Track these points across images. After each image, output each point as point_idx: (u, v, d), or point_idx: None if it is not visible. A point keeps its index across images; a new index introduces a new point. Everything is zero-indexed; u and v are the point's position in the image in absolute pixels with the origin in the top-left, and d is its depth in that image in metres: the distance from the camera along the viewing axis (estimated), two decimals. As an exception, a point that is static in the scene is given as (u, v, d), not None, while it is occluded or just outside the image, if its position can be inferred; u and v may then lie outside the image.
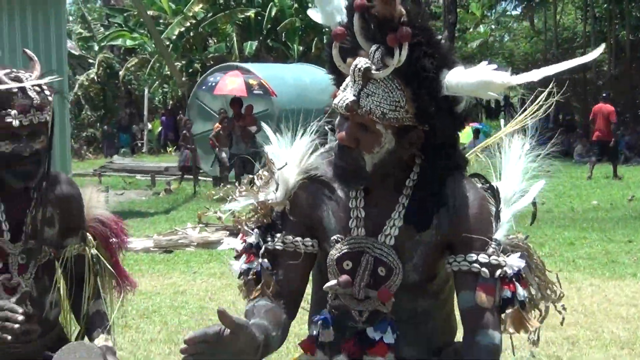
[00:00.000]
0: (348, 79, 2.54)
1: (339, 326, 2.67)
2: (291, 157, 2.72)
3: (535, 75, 2.50)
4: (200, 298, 8.29)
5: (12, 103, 3.02)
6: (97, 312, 3.36)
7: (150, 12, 36.02)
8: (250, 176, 2.81)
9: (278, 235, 2.70)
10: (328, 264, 2.67)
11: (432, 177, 2.60)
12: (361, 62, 2.49)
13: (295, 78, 22.21)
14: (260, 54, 32.85)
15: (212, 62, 30.90)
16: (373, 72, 2.49)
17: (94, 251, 3.38)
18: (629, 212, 14.82)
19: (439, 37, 2.62)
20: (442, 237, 2.60)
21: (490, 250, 2.56)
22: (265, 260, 2.70)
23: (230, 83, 20.34)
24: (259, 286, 2.69)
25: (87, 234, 3.37)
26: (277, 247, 2.69)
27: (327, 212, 2.68)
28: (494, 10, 38.10)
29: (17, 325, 2.89)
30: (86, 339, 3.33)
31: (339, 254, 2.64)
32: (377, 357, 2.62)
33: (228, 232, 11.75)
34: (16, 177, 3.09)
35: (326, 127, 2.98)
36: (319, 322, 2.67)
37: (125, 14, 36.73)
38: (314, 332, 2.70)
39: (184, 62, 34.18)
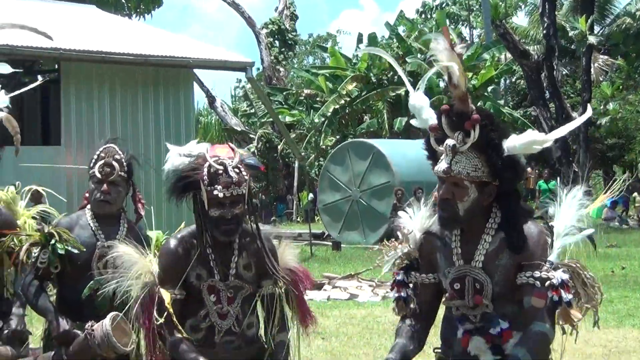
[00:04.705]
0: (442, 155, 3.63)
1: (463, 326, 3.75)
2: (417, 223, 3.90)
3: (562, 130, 3.82)
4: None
5: (219, 180, 4.07)
6: (280, 342, 4.28)
7: (307, 91, 38.31)
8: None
9: (414, 272, 3.89)
10: (445, 288, 3.79)
11: (512, 219, 3.63)
12: (450, 141, 3.59)
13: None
14: (409, 129, 34.13)
15: (365, 137, 32.02)
16: (458, 147, 3.59)
17: (281, 291, 4.28)
18: (698, 276, 14.76)
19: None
20: (513, 260, 3.62)
21: (544, 268, 3.57)
22: (409, 290, 3.87)
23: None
24: (401, 307, 3.87)
25: (279, 277, 4.25)
26: (414, 281, 3.89)
27: (440, 253, 3.79)
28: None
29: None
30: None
31: (450, 280, 3.73)
32: (508, 340, 3.64)
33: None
34: (222, 234, 4.09)
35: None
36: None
37: (284, 93, 39.02)
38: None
39: (338, 136, 35.64)
